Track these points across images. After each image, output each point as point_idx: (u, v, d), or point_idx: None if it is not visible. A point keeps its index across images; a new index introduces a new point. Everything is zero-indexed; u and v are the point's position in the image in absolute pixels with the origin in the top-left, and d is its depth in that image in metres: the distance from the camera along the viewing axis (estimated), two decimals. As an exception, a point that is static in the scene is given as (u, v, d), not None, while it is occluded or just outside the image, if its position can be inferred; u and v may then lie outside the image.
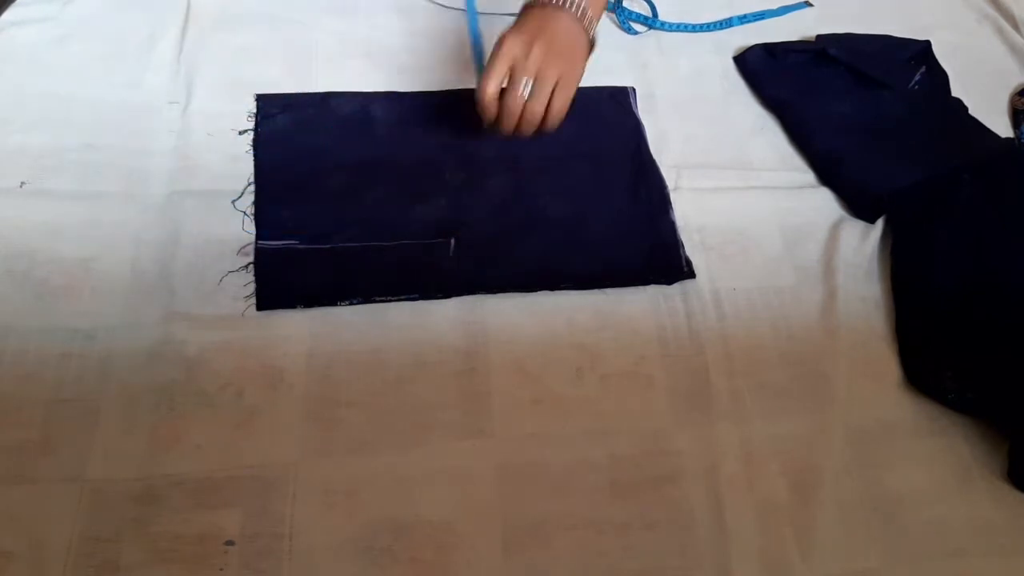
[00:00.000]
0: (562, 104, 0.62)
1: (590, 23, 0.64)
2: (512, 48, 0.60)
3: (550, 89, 0.61)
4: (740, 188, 0.74)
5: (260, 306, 0.62)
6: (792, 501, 0.58)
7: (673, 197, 0.72)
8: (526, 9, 0.64)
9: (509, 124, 0.62)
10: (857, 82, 0.81)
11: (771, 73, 0.83)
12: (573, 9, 0.62)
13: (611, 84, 0.81)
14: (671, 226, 0.70)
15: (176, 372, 0.58)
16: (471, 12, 0.71)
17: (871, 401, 0.63)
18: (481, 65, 0.67)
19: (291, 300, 0.62)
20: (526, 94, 0.61)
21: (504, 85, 0.62)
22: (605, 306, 0.66)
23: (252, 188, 0.68)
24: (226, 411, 0.57)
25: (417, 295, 0.64)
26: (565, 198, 0.71)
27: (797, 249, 0.71)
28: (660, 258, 0.68)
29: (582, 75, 0.65)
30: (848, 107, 0.79)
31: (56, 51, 0.75)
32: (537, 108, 0.61)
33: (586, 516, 0.56)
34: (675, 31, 0.87)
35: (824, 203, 0.74)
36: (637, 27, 0.87)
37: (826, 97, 0.80)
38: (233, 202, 0.67)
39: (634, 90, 0.81)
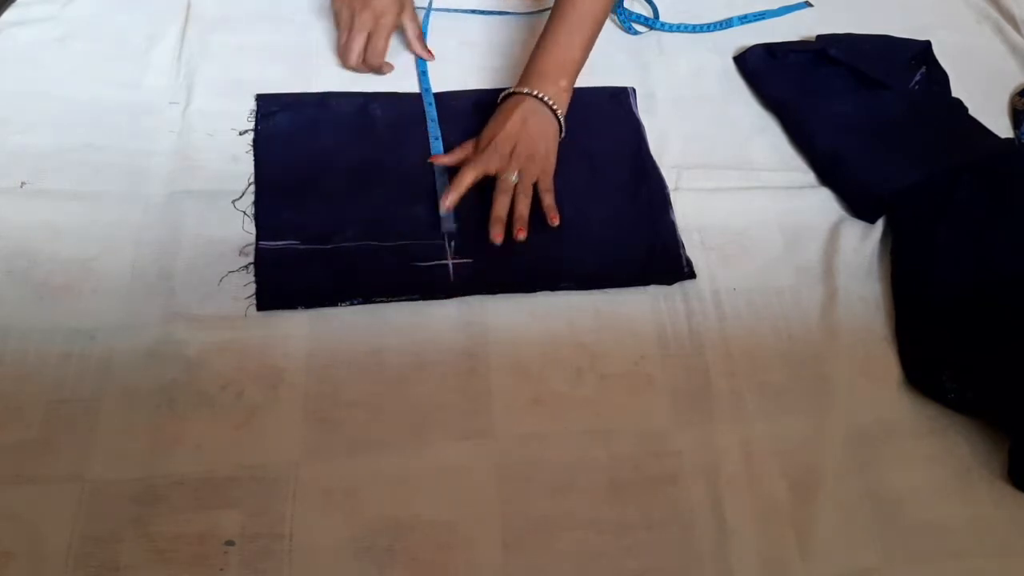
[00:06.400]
0: (552, 200, 0.67)
1: (562, 112, 0.70)
2: (483, 157, 0.66)
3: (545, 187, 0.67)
4: (740, 188, 0.74)
5: (260, 306, 0.62)
6: (792, 501, 0.58)
7: (673, 197, 0.72)
8: (504, 100, 0.70)
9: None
10: (857, 82, 0.81)
11: (771, 73, 0.83)
12: (548, 101, 0.68)
13: (611, 84, 0.81)
14: (671, 226, 0.70)
15: (176, 372, 0.58)
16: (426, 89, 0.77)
17: (871, 401, 0.63)
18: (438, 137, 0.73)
19: (291, 300, 0.62)
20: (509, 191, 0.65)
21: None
22: (605, 306, 0.66)
23: (252, 188, 0.68)
24: (226, 411, 0.57)
25: (417, 295, 0.64)
26: (565, 198, 0.71)
27: (797, 249, 0.71)
28: (660, 258, 0.68)
29: (555, 162, 0.69)
30: (848, 107, 0.79)
31: (56, 51, 0.75)
32: (524, 211, 0.66)
33: (586, 516, 0.56)
34: (675, 31, 0.87)
35: (824, 203, 0.74)
36: (638, 28, 0.87)
37: (826, 97, 0.80)
38: (233, 202, 0.67)
39: (634, 90, 0.81)
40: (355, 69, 0.77)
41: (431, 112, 0.75)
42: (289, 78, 0.76)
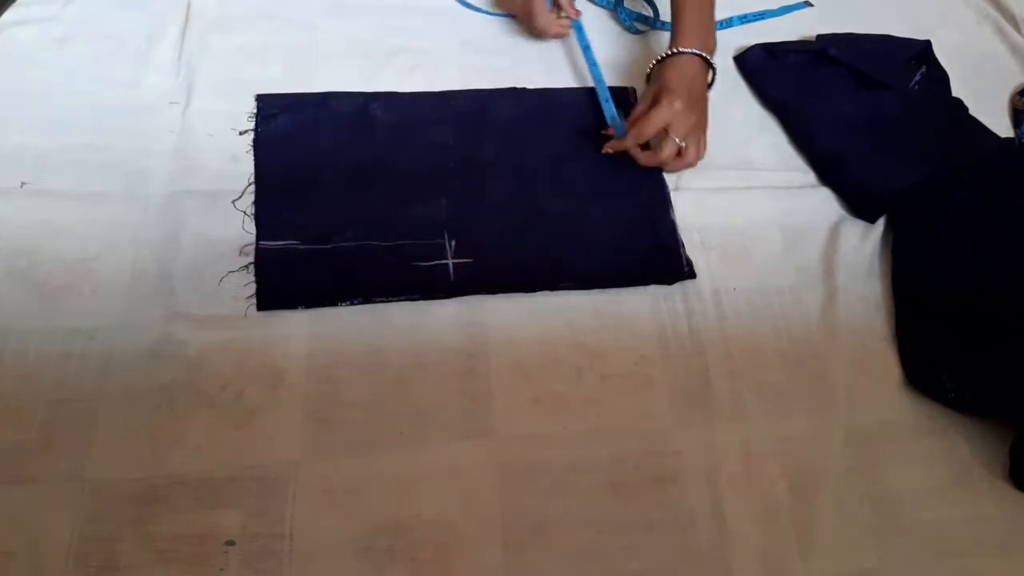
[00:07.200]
0: (700, 153, 0.72)
1: (712, 60, 0.74)
2: (665, 115, 0.69)
3: (696, 143, 0.71)
4: (740, 188, 0.74)
5: (260, 306, 0.62)
6: (792, 501, 0.58)
7: (673, 197, 0.72)
8: (665, 62, 0.72)
9: (657, 163, 0.71)
10: (857, 82, 0.81)
11: (771, 73, 0.83)
12: (704, 55, 0.72)
13: (612, 84, 0.80)
14: (671, 226, 0.70)
15: (176, 372, 0.58)
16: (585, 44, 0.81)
17: (871, 401, 0.63)
18: (602, 85, 0.78)
19: (291, 300, 0.62)
20: (676, 150, 0.70)
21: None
22: (605, 306, 0.66)
23: (252, 188, 0.68)
24: (226, 411, 0.57)
25: (417, 295, 0.64)
26: (565, 198, 0.71)
27: (797, 249, 0.71)
28: (660, 258, 0.68)
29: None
30: (848, 107, 0.79)
31: (56, 51, 0.75)
32: (690, 160, 0.71)
33: (586, 516, 0.56)
34: (675, 31, 0.87)
35: (824, 203, 0.74)
36: (639, 26, 0.87)
37: (826, 97, 0.80)
38: (233, 202, 0.67)
39: (635, 90, 0.81)
40: (558, 33, 0.81)
41: (596, 72, 0.79)
42: (289, 78, 0.76)
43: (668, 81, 0.70)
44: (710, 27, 0.75)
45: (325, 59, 0.79)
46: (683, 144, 0.69)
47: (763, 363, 0.64)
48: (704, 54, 0.72)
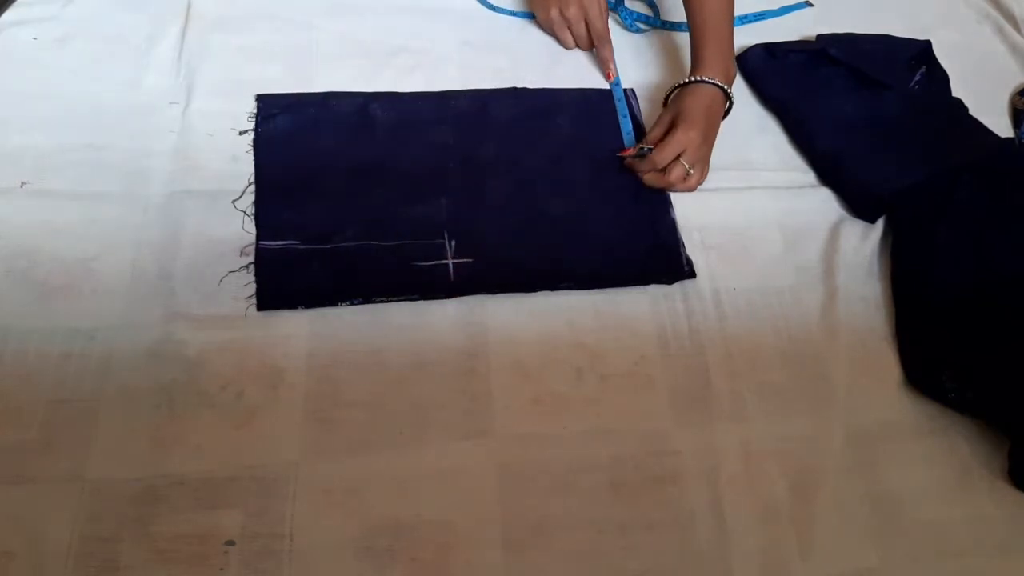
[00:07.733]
0: (701, 179, 0.73)
1: (731, 91, 0.74)
2: (682, 141, 0.70)
3: (701, 170, 0.73)
4: (740, 188, 0.74)
5: (260, 306, 0.62)
6: (792, 501, 0.58)
7: (673, 197, 0.72)
8: (686, 89, 0.73)
9: (663, 185, 0.71)
10: (857, 82, 0.81)
11: (771, 73, 0.83)
12: (724, 85, 0.73)
13: (612, 84, 0.81)
14: (671, 226, 0.70)
15: (176, 372, 0.58)
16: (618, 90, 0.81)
17: (871, 401, 0.63)
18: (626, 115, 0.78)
19: (291, 300, 0.62)
20: (684, 174, 0.71)
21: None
22: (605, 306, 0.66)
23: (252, 188, 0.68)
24: (226, 411, 0.57)
25: (417, 295, 0.64)
26: (565, 198, 0.71)
27: (797, 249, 0.71)
28: (660, 258, 0.68)
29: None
30: (848, 107, 0.79)
31: (56, 51, 0.75)
32: (691, 186, 0.72)
33: (586, 516, 0.56)
34: (676, 31, 0.87)
35: (824, 203, 0.74)
36: (640, 25, 0.87)
37: (826, 97, 0.80)
38: (233, 202, 0.67)
39: (634, 91, 0.81)
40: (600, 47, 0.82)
41: (618, 91, 0.80)
42: (289, 78, 0.76)
43: (687, 109, 0.71)
44: (730, 53, 0.75)
45: (325, 59, 0.79)
46: (691, 170, 0.70)
47: (763, 363, 0.64)
48: (724, 86, 0.73)
